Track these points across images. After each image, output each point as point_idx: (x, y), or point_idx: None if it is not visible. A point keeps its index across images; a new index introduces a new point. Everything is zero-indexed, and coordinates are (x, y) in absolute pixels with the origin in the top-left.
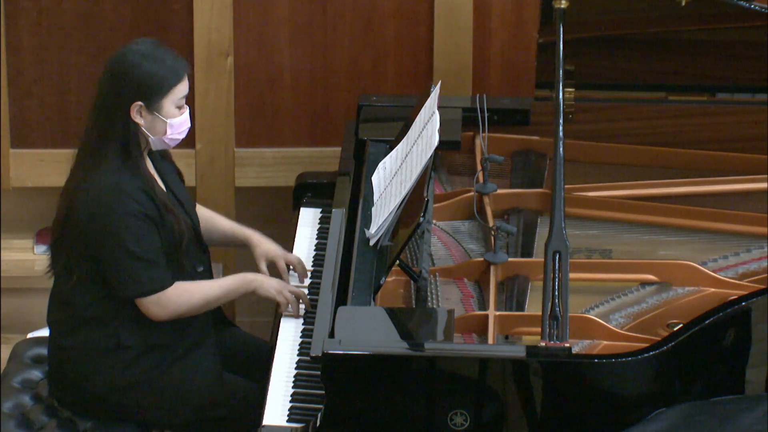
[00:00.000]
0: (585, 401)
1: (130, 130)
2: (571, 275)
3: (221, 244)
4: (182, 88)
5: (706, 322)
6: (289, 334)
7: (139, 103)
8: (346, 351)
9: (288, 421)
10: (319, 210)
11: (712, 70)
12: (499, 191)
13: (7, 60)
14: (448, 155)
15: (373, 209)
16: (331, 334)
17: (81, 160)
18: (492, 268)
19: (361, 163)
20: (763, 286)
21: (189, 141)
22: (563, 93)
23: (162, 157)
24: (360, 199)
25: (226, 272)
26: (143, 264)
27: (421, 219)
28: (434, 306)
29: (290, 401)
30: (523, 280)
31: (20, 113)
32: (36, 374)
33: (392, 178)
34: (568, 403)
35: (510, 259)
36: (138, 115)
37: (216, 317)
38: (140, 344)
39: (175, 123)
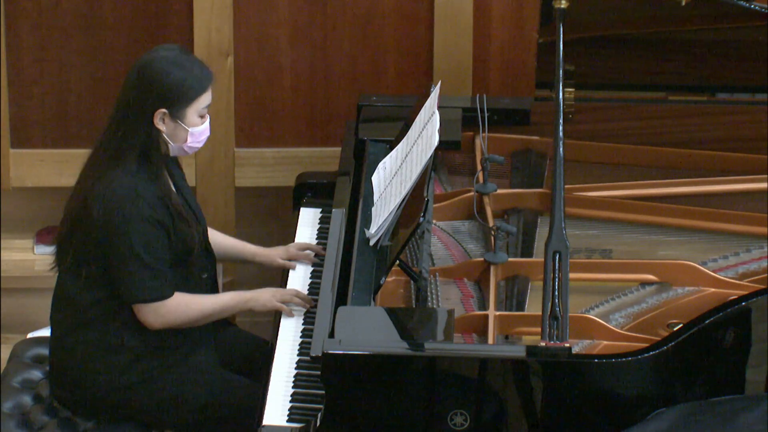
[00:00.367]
0: (585, 401)
1: (152, 135)
2: (571, 275)
3: (224, 260)
4: (206, 98)
5: (706, 322)
6: (289, 334)
7: (164, 110)
8: (346, 351)
9: (288, 421)
10: (319, 210)
11: (712, 70)
12: (499, 191)
13: (7, 60)
14: (448, 155)
15: (373, 209)
16: (331, 334)
17: (98, 159)
18: (492, 268)
19: (361, 163)
20: (763, 286)
21: None
22: (563, 93)
23: (174, 163)
24: (360, 199)
25: (225, 273)
26: (149, 271)
27: (421, 219)
28: (434, 306)
29: (290, 401)
30: (523, 280)
31: (20, 113)
32: (36, 374)
33: (392, 178)
34: (568, 403)
35: (510, 259)
36: (161, 122)
37: None
38: (142, 345)
39: (197, 132)
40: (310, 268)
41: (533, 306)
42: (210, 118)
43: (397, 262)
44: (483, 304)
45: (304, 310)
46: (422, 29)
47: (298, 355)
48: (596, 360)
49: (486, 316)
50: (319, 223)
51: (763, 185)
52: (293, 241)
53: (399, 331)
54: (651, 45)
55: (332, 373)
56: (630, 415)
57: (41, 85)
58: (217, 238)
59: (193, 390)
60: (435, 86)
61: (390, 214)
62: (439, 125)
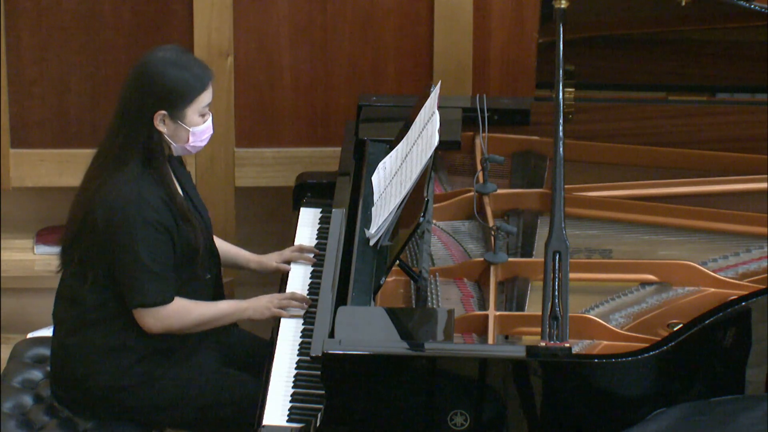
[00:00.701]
0: (585, 401)
1: (153, 138)
2: (571, 275)
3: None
4: (206, 97)
5: (706, 322)
6: (289, 334)
7: (163, 112)
8: (346, 351)
9: (288, 421)
10: (319, 210)
11: (712, 70)
12: (499, 191)
13: (7, 60)
14: (448, 155)
15: (373, 209)
16: (331, 334)
17: (101, 163)
18: (492, 268)
19: (361, 163)
20: (763, 286)
21: None
22: (563, 93)
23: (179, 163)
24: (360, 199)
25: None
26: (152, 275)
27: (421, 219)
28: (434, 306)
29: (290, 401)
30: (523, 280)
31: (20, 113)
32: (36, 374)
33: (392, 178)
34: (568, 403)
35: (510, 259)
36: (161, 123)
37: None
38: (144, 346)
39: (198, 131)
40: (310, 269)
41: (533, 306)
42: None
43: (397, 262)
44: (483, 304)
45: (304, 311)
46: (422, 29)
47: (298, 355)
48: (596, 360)
49: (486, 316)
50: (319, 223)
51: (763, 185)
52: (293, 241)
53: (399, 331)
54: (651, 45)
55: (332, 373)
56: (630, 415)
57: (41, 85)
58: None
59: (193, 391)
60: (435, 86)
61: (390, 214)
62: (439, 125)
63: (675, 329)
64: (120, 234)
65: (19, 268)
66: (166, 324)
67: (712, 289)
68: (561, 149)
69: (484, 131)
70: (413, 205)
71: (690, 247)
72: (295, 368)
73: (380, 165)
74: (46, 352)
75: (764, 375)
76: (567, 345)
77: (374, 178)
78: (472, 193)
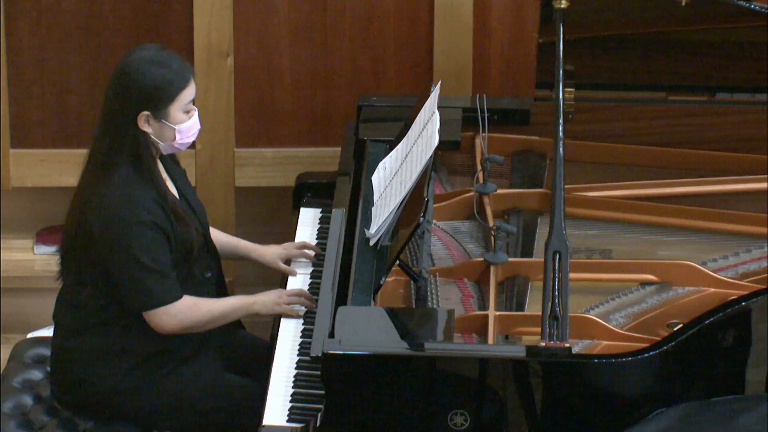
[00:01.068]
0: (585, 401)
1: (139, 139)
2: (571, 275)
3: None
4: (188, 93)
5: (706, 322)
6: (289, 334)
7: (146, 112)
8: (346, 351)
9: (288, 421)
10: (319, 210)
11: (712, 70)
12: (499, 191)
13: (7, 60)
14: (448, 155)
15: (373, 209)
16: (331, 334)
17: (91, 169)
18: (492, 268)
19: (361, 163)
20: (763, 286)
21: None
22: (563, 93)
23: (173, 161)
24: (360, 199)
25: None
26: (155, 276)
27: (421, 219)
28: (434, 306)
29: (290, 401)
30: (523, 280)
31: (20, 113)
32: (36, 374)
33: (392, 178)
34: (568, 403)
35: (510, 259)
36: (146, 124)
37: None
38: (145, 349)
39: (184, 128)
40: (310, 268)
41: (533, 306)
42: (199, 112)
43: (397, 262)
44: (483, 304)
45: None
46: (422, 29)
47: (298, 355)
48: (596, 360)
49: (486, 316)
50: (319, 223)
51: (763, 185)
52: (293, 241)
53: (399, 331)
54: (651, 45)
55: (332, 373)
56: (630, 415)
57: (41, 85)
58: (213, 234)
59: (194, 393)
60: (435, 86)
61: (390, 214)
62: (439, 125)
63: (675, 329)
64: (116, 239)
65: (19, 268)
66: (179, 320)
67: (712, 289)
68: (561, 149)
69: (484, 131)
70: (413, 205)
71: (690, 247)
72: (295, 368)
73: (380, 165)
74: (46, 352)
75: (764, 375)
76: (567, 345)
77: (374, 178)
78: (472, 193)
